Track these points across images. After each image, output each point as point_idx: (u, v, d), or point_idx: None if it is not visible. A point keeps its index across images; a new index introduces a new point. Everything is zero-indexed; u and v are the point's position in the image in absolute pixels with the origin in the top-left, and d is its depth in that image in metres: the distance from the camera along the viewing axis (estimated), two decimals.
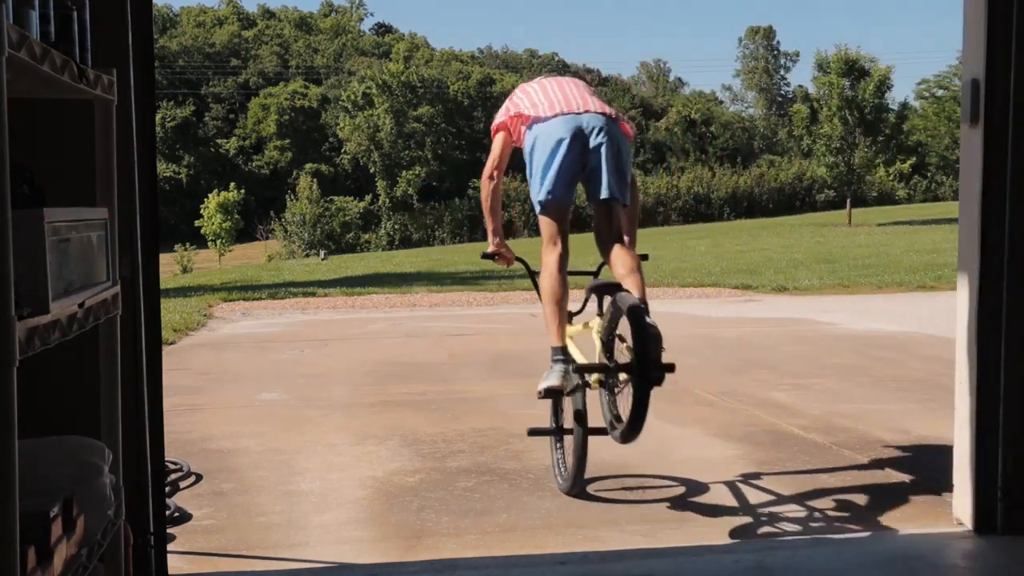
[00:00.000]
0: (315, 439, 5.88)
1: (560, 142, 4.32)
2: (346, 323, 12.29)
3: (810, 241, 28.14)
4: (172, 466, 5.04)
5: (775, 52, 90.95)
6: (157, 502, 3.45)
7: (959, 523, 3.95)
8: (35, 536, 2.09)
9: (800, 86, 56.70)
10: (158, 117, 56.05)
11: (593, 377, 4.31)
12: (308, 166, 63.62)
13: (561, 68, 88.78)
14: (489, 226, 4.78)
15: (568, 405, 4.55)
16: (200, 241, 46.84)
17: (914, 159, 59.37)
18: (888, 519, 4.25)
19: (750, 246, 27.07)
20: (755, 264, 20.48)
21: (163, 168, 60.39)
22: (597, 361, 4.34)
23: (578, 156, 4.33)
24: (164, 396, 3.55)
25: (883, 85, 36.50)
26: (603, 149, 4.31)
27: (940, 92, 61.15)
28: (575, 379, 4.29)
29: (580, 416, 4.38)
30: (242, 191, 49.75)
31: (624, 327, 4.05)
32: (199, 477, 5.04)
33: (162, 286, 3.98)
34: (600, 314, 4.46)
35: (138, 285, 3.34)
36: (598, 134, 4.32)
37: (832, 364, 8.40)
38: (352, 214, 54.30)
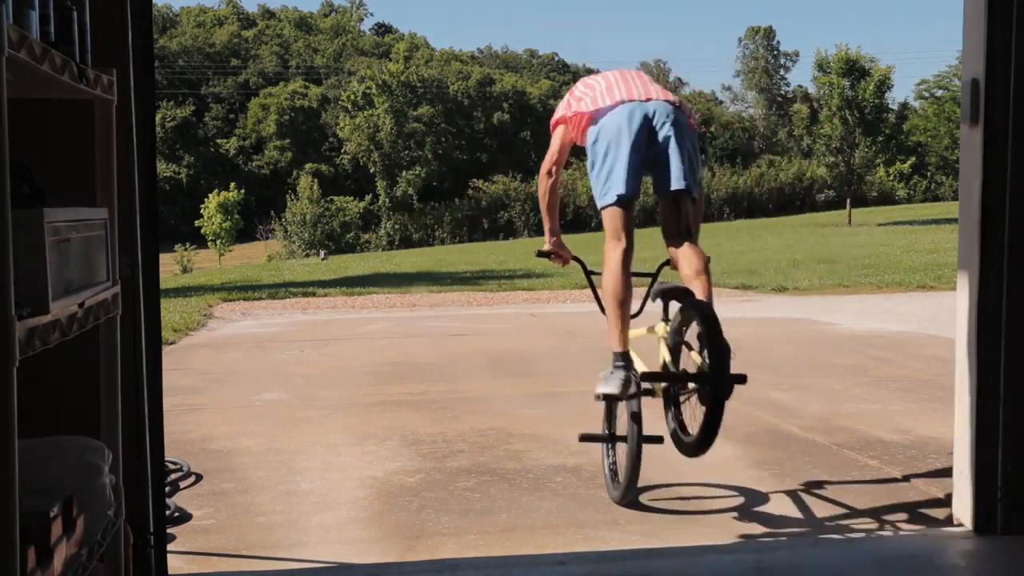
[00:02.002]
0: (315, 439, 5.88)
1: (625, 131, 4.06)
2: (346, 323, 12.30)
3: (810, 241, 28.15)
4: (172, 466, 5.04)
5: (775, 52, 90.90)
6: (157, 502, 3.45)
7: (959, 523, 3.95)
8: (35, 536, 2.09)
9: (800, 86, 56.87)
10: (158, 117, 56.05)
11: (659, 385, 4.18)
12: (308, 166, 63.61)
13: (561, 68, 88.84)
14: (546, 224, 4.59)
15: (622, 409, 4.40)
16: (200, 241, 46.83)
17: (914, 159, 59.39)
18: (888, 519, 4.25)
19: (750, 246, 27.08)
20: (755, 264, 20.48)
21: (163, 168, 60.38)
22: (660, 368, 4.22)
23: (645, 145, 4.08)
24: (164, 396, 3.55)
25: (883, 85, 36.50)
26: (671, 137, 4.06)
27: (940, 92, 61.17)
28: (633, 387, 4.13)
29: (637, 419, 4.24)
30: (242, 191, 49.74)
31: (691, 333, 3.95)
32: (199, 477, 5.04)
33: (162, 286, 3.98)
34: (665, 319, 4.35)
35: (138, 285, 3.34)
36: (665, 122, 4.08)
37: (832, 364, 8.40)
38: (352, 214, 54.29)
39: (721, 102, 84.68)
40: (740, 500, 4.58)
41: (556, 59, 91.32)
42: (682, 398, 4.10)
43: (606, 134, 4.13)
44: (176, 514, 4.36)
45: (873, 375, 7.85)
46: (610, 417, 4.57)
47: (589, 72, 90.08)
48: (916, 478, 4.87)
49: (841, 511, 4.38)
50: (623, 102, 4.14)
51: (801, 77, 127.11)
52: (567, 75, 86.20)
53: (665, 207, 4.22)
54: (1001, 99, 3.69)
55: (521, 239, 42.86)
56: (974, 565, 3.70)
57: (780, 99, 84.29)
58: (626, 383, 4.08)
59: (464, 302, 14.72)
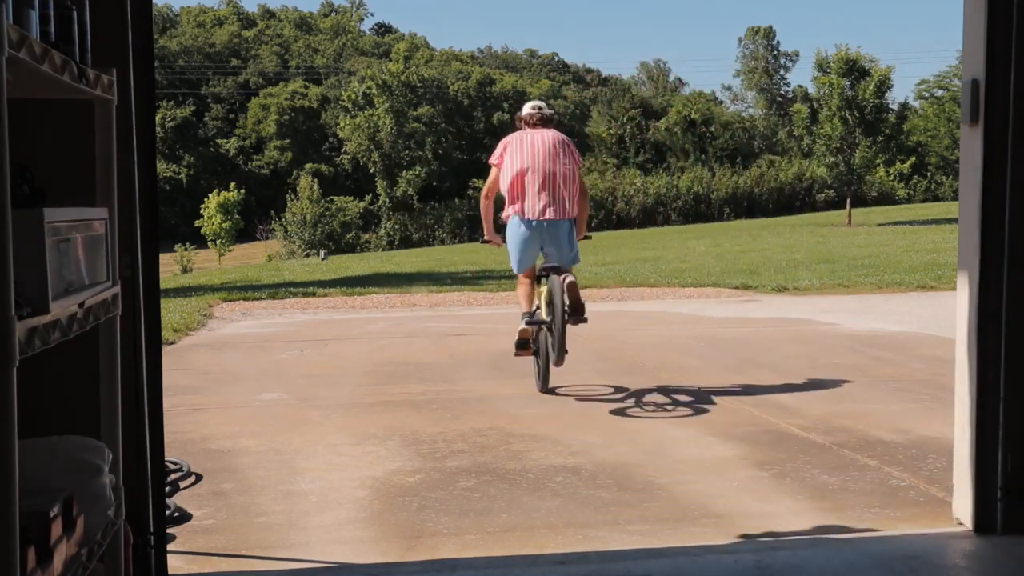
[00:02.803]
0: (315, 439, 5.88)
1: (526, 238, 6.91)
2: (346, 323, 12.30)
3: (810, 241, 28.14)
4: (172, 466, 5.04)
5: (775, 52, 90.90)
6: (157, 502, 3.45)
7: (959, 523, 3.95)
8: (35, 536, 2.09)
9: (800, 86, 56.79)
10: (158, 117, 56.08)
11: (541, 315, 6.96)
12: (308, 166, 63.62)
13: (561, 68, 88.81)
14: (485, 227, 7.35)
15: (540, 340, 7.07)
16: (200, 241, 46.85)
17: (914, 159, 59.39)
18: (888, 519, 4.25)
19: (750, 246, 27.08)
20: (755, 264, 20.48)
21: (163, 168, 60.39)
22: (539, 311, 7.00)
23: (537, 246, 6.95)
24: (164, 396, 3.55)
25: (883, 85, 36.49)
26: (554, 244, 6.89)
27: (940, 92, 61.17)
28: (528, 322, 6.98)
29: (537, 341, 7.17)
30: (242, 191, 49.75)
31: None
32: (199, 477, 5.04)
33: (162, 286, 3.98)
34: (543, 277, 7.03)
35: (138, 285, 3.34)
36: (552, 234, 6.86)
37: (832, 364, 8.40)
38: (352, 214, 54.30)
39: (721, 102, 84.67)
40: (740, 500, 4.58)
41: (556, 59, 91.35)
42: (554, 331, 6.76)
43: (513, 233, 6.96)
44: (176, 514, 4.36)
45: (873, 375, 7.85)
46: (537, 353, 7.18)
47: (589, 72, 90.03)
48: (916, 478, 4.87)
49: (841, 511, 4.38)
50: (527, 218, 6.87)
51: (801, 77, 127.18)
52: (567, 75, 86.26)
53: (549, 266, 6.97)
54: (1001, 99, 3.69)
55: None
56: (974, 565, 3.70)
57: (780, 99, 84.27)
58: (531, 322, 6.95)
59: (464, 302, 14.72)
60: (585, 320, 6.65)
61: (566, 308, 6.58)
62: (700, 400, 6.93)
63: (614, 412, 6.57)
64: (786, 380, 7.65)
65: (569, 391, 7.26)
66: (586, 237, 7.37)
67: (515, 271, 7.08)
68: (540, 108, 7.09)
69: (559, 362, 6.69)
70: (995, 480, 3.79)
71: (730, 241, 29.81)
